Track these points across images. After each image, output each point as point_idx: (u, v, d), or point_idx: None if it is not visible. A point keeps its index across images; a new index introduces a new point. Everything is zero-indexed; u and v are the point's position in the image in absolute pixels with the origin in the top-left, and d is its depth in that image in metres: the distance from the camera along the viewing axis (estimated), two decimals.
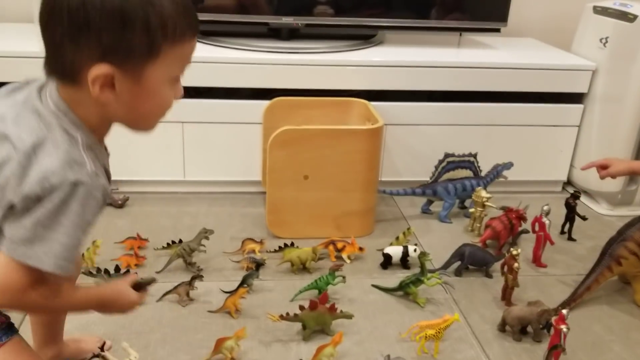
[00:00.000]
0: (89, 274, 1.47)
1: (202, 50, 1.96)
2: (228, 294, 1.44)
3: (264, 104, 1.95)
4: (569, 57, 2.14)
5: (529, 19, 2.41)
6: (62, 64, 0.77)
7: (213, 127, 1.97)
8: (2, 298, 0.79)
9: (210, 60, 1.89)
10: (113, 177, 0.91)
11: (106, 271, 1.46)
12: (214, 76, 1.91)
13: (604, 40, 2.02)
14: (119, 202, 1.91)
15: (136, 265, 1.59)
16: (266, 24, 2.09)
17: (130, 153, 1.89)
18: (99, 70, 0.75)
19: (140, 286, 1.00)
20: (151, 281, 1.02)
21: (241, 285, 1.45)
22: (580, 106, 2.10)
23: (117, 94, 0.78)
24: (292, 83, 1.96)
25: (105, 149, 0.90)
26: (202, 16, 1.98)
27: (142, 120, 0.86)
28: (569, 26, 2.23)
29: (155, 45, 0.76)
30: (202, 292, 1.50)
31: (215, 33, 2.08)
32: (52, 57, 0.78)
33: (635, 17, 1.91)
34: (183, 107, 1.91)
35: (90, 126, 0.82)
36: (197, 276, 1.47)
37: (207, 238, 1.61)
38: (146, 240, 1.69)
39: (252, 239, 1.69)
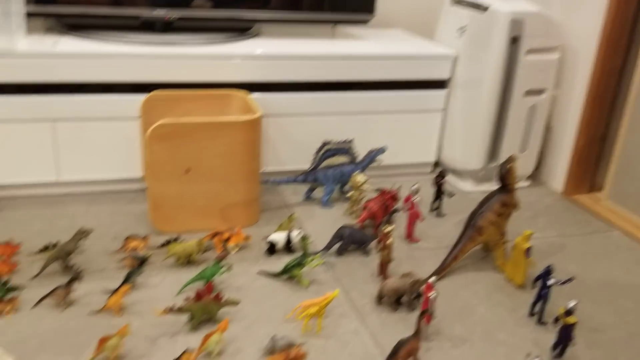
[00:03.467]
0: None
1: (73, 45, 1.88)
2: (110, 294, 1.42)
3: (141, 98, 1.91)
4: (432, 46, 2.31)
5: (396, 11, 2.56)
6: None
7: (88, 124, 1.90)
8: None
9: (81, 56, 1.83)
10: None
11: None
12: (87, 71, 1.85)
13: (461, 30, 2.21)
14: None
15: (8, 272, 1.51)
16: (137, 17, 2.04)
17: None
18: None
19: None
20: None
21: (123, 283, 1.43)
22: (444, 91, 2.27)
23: None
24: (169, 76, 1.94)
25: None
26: (71, 9, 1.94)
27: None
28: (433, 17, 2.40)
29: None
30: (83, 294, 1.46)
31: (85, 27, 2.00)
32: None
33: (487, 8, 2.10)
34: (54, 105, 1.84)
35: None
36: (75, 277, 1.43)
37: (84, 238, 1.57)
38: (18, 245, 1.61)
39: (134, 237, 1.66)
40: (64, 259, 1.53)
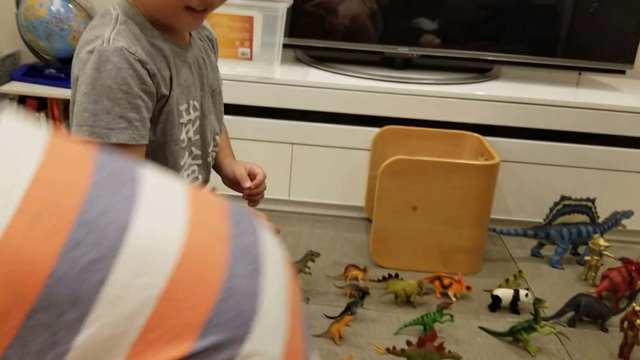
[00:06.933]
0: None
1: (316, 76, 2.00)
2: (333, 320, 1.44)
3: (373, 131, 1.95)
4: None
5: None
6: None
7: (321, 150, 1.99)
8: None
9: (323, 86, 1.93)
10: None
11: None
12: (325, 101, 1.94)
13: None
14: None
15: None
16: (381, 52, 2.10)
17: None
18: None
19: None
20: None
21: (346, 312, 1.44)
22: None
23: None
24: (402, 112, 1.95)
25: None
26: (320, 43, 2.07)
27: (162, 11, 0.89)
28: None
29: None
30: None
31: (329, 59, 2.12)
32: None
33: None
34: (293, 129, 1.96)
35: (150, 18, 0.91)
36: (304, 299, 1.48)
37: (313, 260, 1.62)
38: None
39: (355, 266, 1.68)
40: None
